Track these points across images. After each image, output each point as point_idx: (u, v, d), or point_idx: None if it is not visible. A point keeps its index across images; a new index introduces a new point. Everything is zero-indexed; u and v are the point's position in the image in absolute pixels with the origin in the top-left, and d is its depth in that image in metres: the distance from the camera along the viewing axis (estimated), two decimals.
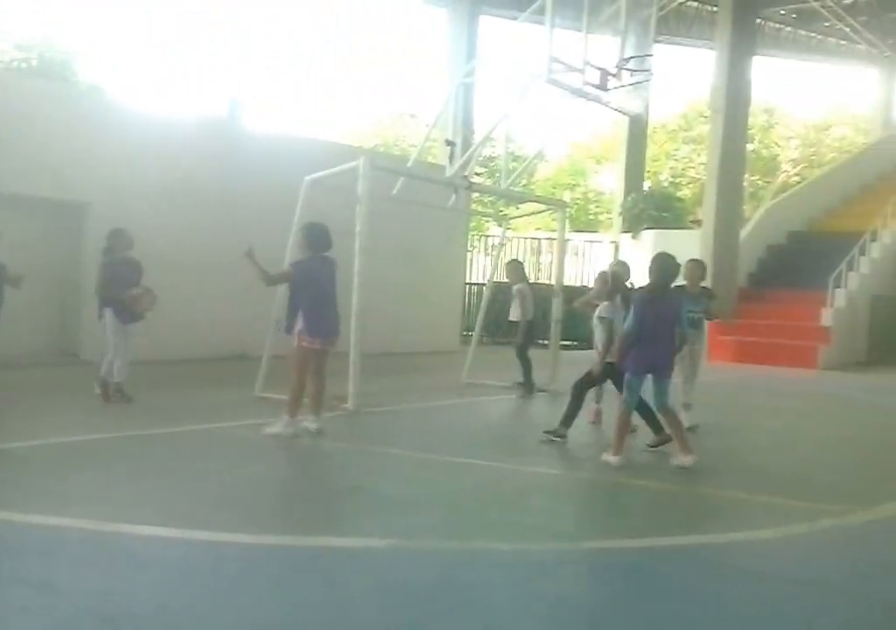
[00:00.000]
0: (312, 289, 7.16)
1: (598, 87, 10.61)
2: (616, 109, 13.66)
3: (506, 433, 8.54)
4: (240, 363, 11.58)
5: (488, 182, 24.37)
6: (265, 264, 7.37)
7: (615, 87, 10.93)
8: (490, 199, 25.68)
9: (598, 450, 7.05)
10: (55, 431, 6.94)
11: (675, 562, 4.47)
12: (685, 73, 41.75)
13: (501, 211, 25.16)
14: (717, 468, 6.99)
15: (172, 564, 4.04)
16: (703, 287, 8.96)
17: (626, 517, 5.48)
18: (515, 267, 11.37)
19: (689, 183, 36.48)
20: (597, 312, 7.49)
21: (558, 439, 7.40)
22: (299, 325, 7.11)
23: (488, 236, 25.71)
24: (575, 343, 18.80)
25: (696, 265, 8.74)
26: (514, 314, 10.93)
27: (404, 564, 4.20)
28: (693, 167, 36.57)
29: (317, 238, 7.30)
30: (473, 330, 12.45)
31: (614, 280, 7.66)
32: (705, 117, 30.38)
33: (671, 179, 37.04)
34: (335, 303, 7.36)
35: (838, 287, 18.63)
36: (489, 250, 23.80)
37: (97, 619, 3.35)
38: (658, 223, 22.76)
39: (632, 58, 11.02)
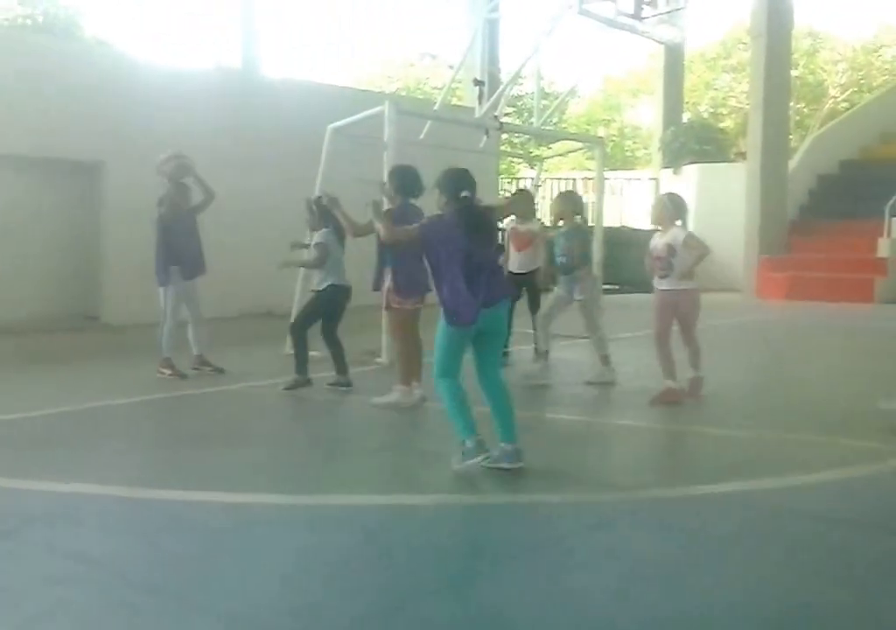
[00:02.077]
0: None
1: (632, 16, 10.35)
2: (651, 39, 13.35)
3: (554, 383, 8.44)
4: (267, 321, 11.59)
5: (518, 122, 24.03)
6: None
7: (650, 16, 10.65)
8: (520, 140, 25.40)
9: (645, 397, 6.96)
10: (92, 394, 6.99)
11: (734, 508, 4.40)
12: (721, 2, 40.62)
13: (532, 152, 24.95)
14: (775, 409, 6.89)
15: (206, 528, 4.04)
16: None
17: (683, 464, 5.42)
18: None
19: (731, 113, 35.68)
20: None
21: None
22: (387, 282, 6.60)
23: (520, 179, 25.42)
24: (618, 286, 18.67)
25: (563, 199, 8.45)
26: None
27: (452, 521, 4.18)
28: (734, 96, 35.73)
29: (410, 181, 6.75)
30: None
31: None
32: (744, 44, 29.61)
33: (712, 110, 36.21)
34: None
35: (895, 216, 18.20)
36: None
37: (135, 588, 3.35)
38: (700, 157, 22.30)
39: None
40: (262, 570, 3.51)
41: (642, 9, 10.49)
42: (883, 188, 18.16)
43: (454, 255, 4.86)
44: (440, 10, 44.78)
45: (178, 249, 7.90)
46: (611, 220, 22.20)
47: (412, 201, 6.78)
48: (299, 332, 7.33)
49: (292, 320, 7.73)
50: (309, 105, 12.45)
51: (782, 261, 18.71)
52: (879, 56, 37.96)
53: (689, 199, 24.42)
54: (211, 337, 8.43)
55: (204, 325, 8.28)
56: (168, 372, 7.91)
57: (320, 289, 7.32)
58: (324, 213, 7.31)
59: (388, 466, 5.32)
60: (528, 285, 8.79)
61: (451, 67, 29.55)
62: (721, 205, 20.57)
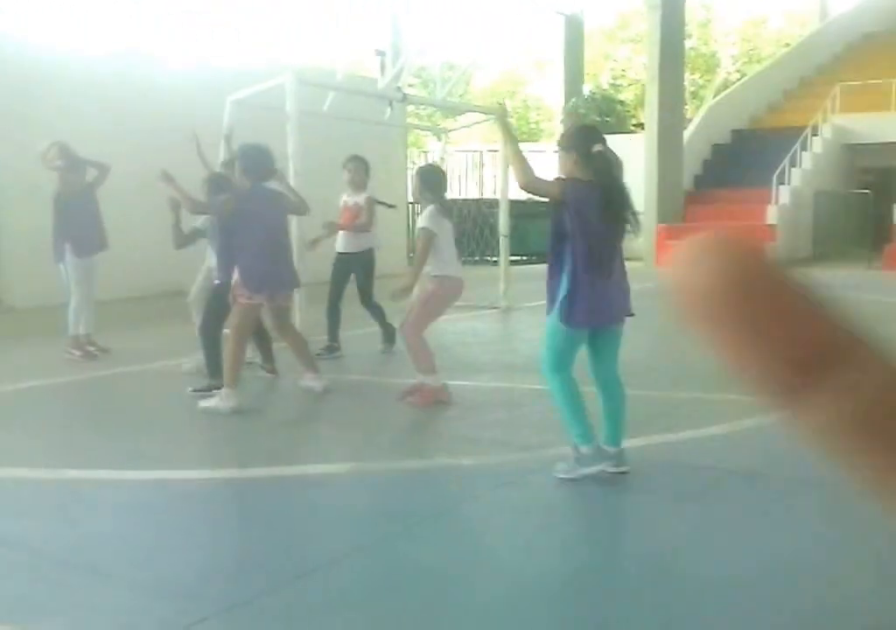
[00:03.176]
0: (256, 228, 5.66)
1: None
2: (551, 9, 13.47)
3: (460, 353, 8.57)
4: (178, 299, 11.42)
5: (423, 94, 23.96)
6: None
7: None
8: (428, 112, 25.36)
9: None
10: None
11: (632, 463, 4.58)
12: None
13: (439, 124, 24.91)
14: (664, 370, 7.14)
15: (133, 506, 4.03)
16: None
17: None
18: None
19: (630, 84, 36.25)
20: None
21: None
22: (236, 275, 5.82)
23: (428, 152, 25.40)
24: (524, 258, 18.92)
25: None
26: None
27: (367, 487, 4.25)
28: (633, 68, 36.29)
29: (255, 163, 5.82)
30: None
31: None
32: (642, 14, 30.04)
33: (612, 82, 36.75)
34: (285, 246, 6.02)
35: (782, 184, 18.85)
36: None
37: (52, 564, 3.34)
38: (602, 129, 22.64)
39: None
40: (178, 540, 3.53)
41: None
42: (771, 157, 18.80)
43: (587, 229, 3.93)
44: None
45: (73, 226, 7.65)
46: (516, 192, 22.40)
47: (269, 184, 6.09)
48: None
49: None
50: (211, 83, 12.20)
51: (679, 229, 19.21)
52: (766, 28, 39.02)
53: None
54: (115, 317, 8.25)
55: (93, 305, 7.99)
56: (77, 352, 7.73)
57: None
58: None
59: (301, 439, 5.35)
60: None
61: (353, 37, 29.22)
62: (624, 175, 20.93)
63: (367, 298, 7.74)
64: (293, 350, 6.18)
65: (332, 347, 7.54)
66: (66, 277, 7.75)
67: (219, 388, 5.77)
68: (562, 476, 4.12)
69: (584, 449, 4.10)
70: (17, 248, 10.78)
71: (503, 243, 11.62)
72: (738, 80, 29.49)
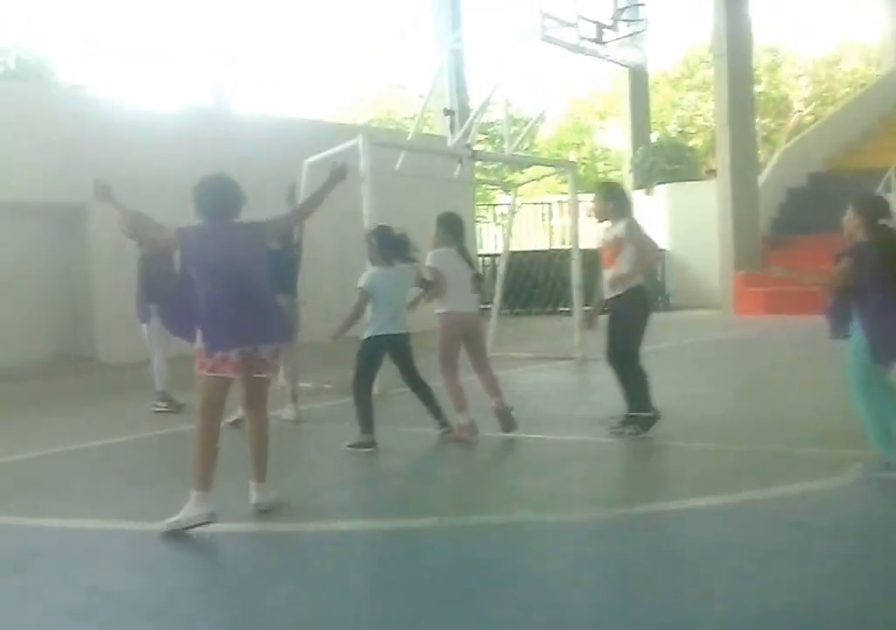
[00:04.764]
0: (202, 273, 4.57)
1: (594, 40, 10.58)
2: (615, 62, 13.62)
3: (538, 405, 8.56)
4: None
5: (490, 149, 24.30)
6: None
7: (612, 40, 10.90)
8: (494, 166, 25.67)
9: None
10: (92, 434, 7.04)
11: (723, 519, 4.51)
12: (682, 19, 41.38)
13: (506, 178, 25.20)
14: (750, 423, 7.02)
15: (224, 557, 4.11)
16: None
17: (668, 480, 5.52)
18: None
19: (699, 131, 36.19)
20: None
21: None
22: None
23: (496, 205, 25.66)
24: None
25: None
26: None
27: (451, 543, 4.27)
28: (701, 115, 36.26)
29: (211, 196, 4.69)
30: (491, 302, 12.44)
31: None
32: (707, 62, 30.12)
33: (680, 129, 36.74)
34: (254, 295, 4.63)
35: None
36: (498, 219, 23.78)
37: (146, 616, 3.42)
38: (671, 176, 22.64)
39: (625, 8, 10.98)
40: (279, 594, 3.59)
41: (604, 33, 10.72)
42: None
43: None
44: (407, 41, 45.31)
45: (156, 287, 7.96)
46: (587, 242, 22.46)
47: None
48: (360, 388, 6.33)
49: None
50: (283, 140, 12.61)
51: (758, 276, 18.95)
52: (839, 69, 38.72)
53: (664, 218, 24.81)
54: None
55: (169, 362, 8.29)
56: (164, 405, 8.02)
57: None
58: (394, 245, 6.38)
59: (386, 494, 5.40)
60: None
61: (420, 97, 29.90)
62: (695, 222, 20.87)
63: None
64: (250, 441, 4.83)
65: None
66: (147, 336, 8.07)
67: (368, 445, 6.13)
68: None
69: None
70: (108, 307, 11.23)
71: (576, 294, 11.64)
72: (813, 122, 29.27)
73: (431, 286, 6.56)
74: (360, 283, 6.30)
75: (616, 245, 6.32)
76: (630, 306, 6.23)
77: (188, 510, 4.40)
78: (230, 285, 4.52)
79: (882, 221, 5.08)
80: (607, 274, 6.36)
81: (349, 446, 6.18)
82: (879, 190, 19.11)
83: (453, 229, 6.68)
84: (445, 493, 5.22)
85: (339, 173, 5.02)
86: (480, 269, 19.31)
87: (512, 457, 6.22)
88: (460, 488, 5.39)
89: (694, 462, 5.85)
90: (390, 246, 6.37)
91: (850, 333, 5.18)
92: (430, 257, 6.58)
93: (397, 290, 6.39)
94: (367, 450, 6.14)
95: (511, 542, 4.28)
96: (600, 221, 6.55)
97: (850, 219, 5.24)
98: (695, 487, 5.12)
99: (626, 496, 5.03)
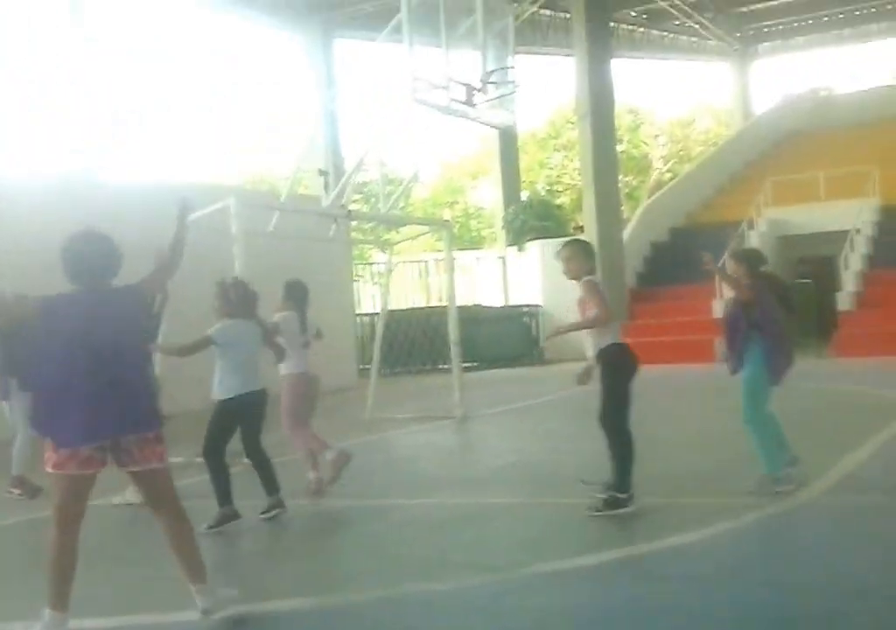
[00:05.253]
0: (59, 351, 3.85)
1: (464, 102, 10.72)
2: (485, 123, 13.87)
3: (419, 467, 8.41)
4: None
5: (365, 208, 24.36)
6: None
7: (482, 102, 11.07)
8: (370, 225, 25.72)
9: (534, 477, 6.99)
10: None
11: (610, 577, 4.45)
12: (547, 82, 42.88)
13: (382, 236, 25.28)
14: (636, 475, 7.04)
15: None
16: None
17: (551, 538, 5.44)
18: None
19: (566, 189, 37.32)
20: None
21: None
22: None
23: (373, 263, 25.64)
24: (475, 364, 18.93)
25: None
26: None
27: (332, 622, 4.05)
28: (567, 173, 37.45)
29: (75, 261, 4.03)
30: (370, 363, 12.28)
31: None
32: (572, 123, 31.17)
33: (548, 188, 37.79)
34: (126, 373, 3.90)
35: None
36: (376, 278, 23.73)
37: None
38: (542, 233, 23.12)
39: (494, 71, 11.19)
40: None
41: (474, 95, 10.86)
42: (711, 252, 19.20)
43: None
44: (282, 102, 45.36)
45: (17, 360, 7.44)
46: (463, 299, 22.69)
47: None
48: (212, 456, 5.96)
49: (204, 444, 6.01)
50: (152, 204, 12.24)
51: (625, 327, 19.40)
52: (694, 129, 40.73)
53: (537, 273, 25.19)
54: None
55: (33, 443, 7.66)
56: (17, 492, 7.40)
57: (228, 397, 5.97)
58: (251, 300, 6.26)
59: (255, 574, 5.12)
60: None
61: (295, 157, 29.80)
62: (566, 278, 21.28)
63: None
64: (171, 544, 4.01)
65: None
66: (9, 415, 7.51)
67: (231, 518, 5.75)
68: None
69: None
70: None
71: (454, 352, 11.59)
72: (671, 179, 30.55)
73: (276, 346, 6.35)
74: (210, 332, 6.02)
75: (582, 306, 6.07)
76: (607, 366, 6.00)
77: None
78: (96, 363, 3.75)
79: (763, 268, 6.04)
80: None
81: (209, 528, 5.59)
82: (735, 241, 20.00)
83: (295, 295, 7.00)
84: (322, 568, 4.98)
85: (185, 205, 4.55)
86: (358, 330, 19.24)
87: (393, 523, 6.01)
88: (339, 561, 5.17)
89: (577, 519, 5.78)
90: (249, 300, 6.20)
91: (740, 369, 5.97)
92: (276, 318, 6.77)
93: (254, 342, 6.14)
94: (229, 523, 5.75)
95: (399, 616, 4.09)
96: (571, 279, 6.13)
97: (733, 269, 6.12)
98: (580, 545, 5.07)
99: (511, 559, 4.90)
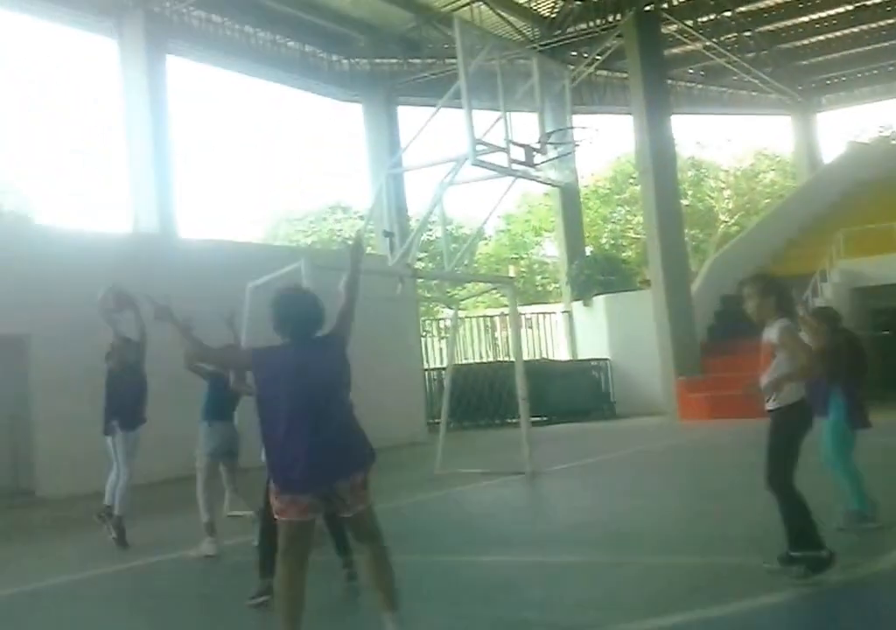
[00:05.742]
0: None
1: (524, 163, 10.81)
2: (545, 182, 13.96)
3: (489, 523, 8.29)
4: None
5: (430, 266, 24.56)
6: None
7: (541, 162, 11.15)
8: (436, 282, 25.93)
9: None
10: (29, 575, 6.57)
11: None
12: (608, 138, 43.10)
13: (448, 293, 25.45)
14: (709, 534, 6.85)
15: None
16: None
17: (624, 598, 5.28)
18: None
19: (632, 244, 37.15)
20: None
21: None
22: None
23: (440, 319, 25.76)
24: (545, 418, 18.75)
25: None
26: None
27: None
28: (632, 228, 37.30)
29: (284, 315, 4.27)
30: (439, 417, 12.25)
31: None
32: (634, 178, 31.15)
33: (613, 242, 37.69)
34: (336, 419, 4.15)
35: (799, 330, 18.85)
36: (443, 333, 23.81)
37: None
38: (607, 287, 23.01)
39: (553, 132, 11.29)
40: None
41: (533, 156, 10.95)
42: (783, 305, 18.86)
43: None
44: (348, 167, 46.35)
45: (119, 401, 7.74)
46: (530, 353, 22.61)
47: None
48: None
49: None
50: (226, 264, 12.53)
51: (699, 382, 19.08)
52: (759, 181, 40.34)
53: (603, 328, 24.98)
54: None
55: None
56: (114, 535, 7.50)
57: None
58: None
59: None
60: None
61: (361, 219, 30.34)
62: (633, 331, 21.11)
63: None
64: (369, 573, 4.27)
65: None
66: (112, 451, 7.70)
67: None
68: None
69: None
70: (49, 439, 10.81)
71: (522, 406, 11.48)
72: (738, 232, 30.20)
73: None
74: None
75: (768, 350, 5.36)
76: (786, 423, 5.24)
77: None
78: (310, 411, 3.96)
79: (841, 326, 6.38)
80: (763, 379, 5.37)
81: (252, 601, 5.21)
82: (807, 294, 19.60)
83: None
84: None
85: (356, 247, 4.76)
86: (428, 385, 19.24)
87: (464, 581, 5.90)
88: (410, 620, 5.07)
89: (651, 578, 5.62)
90: None
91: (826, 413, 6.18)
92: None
93: None
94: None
95: None
96: (756, 321, 5.50)
97: (816, 329, 6.24)
98: (653, 606, 4.88)
99: (582, 619, 4.76)
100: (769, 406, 5.24)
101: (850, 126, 55.63)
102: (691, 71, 28.50)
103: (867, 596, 4.97)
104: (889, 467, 8.75)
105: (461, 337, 22.14)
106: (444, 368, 16.04)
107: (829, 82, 31.94)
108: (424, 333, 22.80)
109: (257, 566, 5.33)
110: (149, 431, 7.92)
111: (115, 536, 7.49)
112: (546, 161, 11.22)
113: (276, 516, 4.01)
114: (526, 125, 11.00)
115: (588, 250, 28.12)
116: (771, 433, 5.24)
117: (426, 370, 19.87)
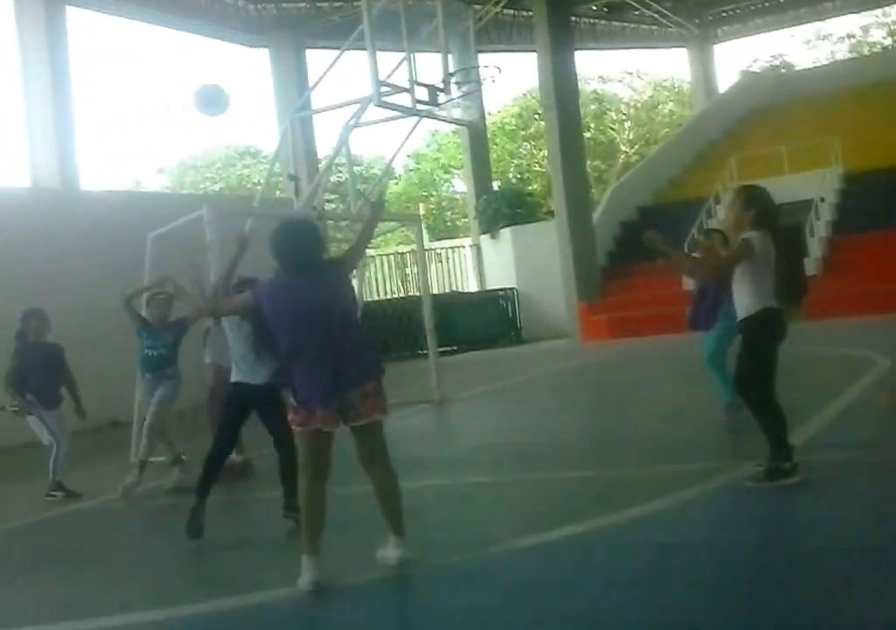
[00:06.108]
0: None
1: (428, 103, 10.78)
2: (450, 121, 13.94)
3: (396, 452, 8.45)
4: (113, 431, 11.22)
5: (341, 207, 24.35)
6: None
7: (445, 101, 11.13)
8: (347, 223, 25.72)
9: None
10: None
11: (581, 549, 4.50)
12: (515, 76, 42.90)
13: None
14: (608, 447, 7.15)
15: None
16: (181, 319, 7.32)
17: (528, 513, 5.49)
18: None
19: (537, 177, 37.36)
20: None
21: None
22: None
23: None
24: (454, 348, 19.03)
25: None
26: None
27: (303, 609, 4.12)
28: (538, 162, 37.48)
29: (289, 246, 4.37)
30: None
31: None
32: (539, 114, 31.22)
33: (519, 176, 37.85)
34: (343, 337, 4.32)
35: (693, 252, 19.36)
36: (354, 273, 23.74)
37: None
38: (514, 220, 23.23)
39: (457, 71, 11.25)
40: None
41: (437, 95, 10.92)
42: (679, 227, 19.36)
43: None
44: (258, 110, 45.21)
45: (26, 378, 7.45)
46: (440, 286, 22.82)
47: None
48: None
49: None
50: (129, 215, 12.26)
51: (600, 305, 19.58)
52: (658, 112, 40.79)
53: (510, 258, 25.26)
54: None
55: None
56: (60, 494, 7.36)
57: None
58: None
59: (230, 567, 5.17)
60: None
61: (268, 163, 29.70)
62: (539, 260, 21.45)
63: None
64: (378, 498, 4.48)
65: None
66: (38, 430, 7.52)
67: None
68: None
69: None
70: None
71: (430, 337, 11.66)
72: (638, 162, 30.63)
73: None
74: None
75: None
76: (751, 333, 5.24)
77: (301, 576, 4.11)
78: (320, 332, 4.19)
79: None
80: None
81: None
82: (702, 216, 20.11)
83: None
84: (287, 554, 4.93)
85: (378, 204, 5.00)
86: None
87: (371, 506, 6.07)
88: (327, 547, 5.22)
89: (556, 493, 5.85)
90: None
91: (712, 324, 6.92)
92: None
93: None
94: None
95: (374, 598, 4.16)
96: (733, 231, 5.56)
97: (708, 247, 6.89)
98: (555, 520, 5.05)
99: (486, 536, 4.95)
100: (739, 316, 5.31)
101: (744, 56, 56.43)
102: (594, 7, 28.46)
103: (752, 494, 5.25)
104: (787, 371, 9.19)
105: (373, 275, 22.19)
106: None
107: (724, 15, 32.30)
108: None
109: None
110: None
111: (65, 495, 7.39)
112: (450, 100, 11.21)
113: (296, 429, 4.24)
114: (431, 65, 10.96)
115: (496, 185, 28.21)
116: (741, 345, 5.30)
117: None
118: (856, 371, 9.24)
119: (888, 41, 40.18)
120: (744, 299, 5.26)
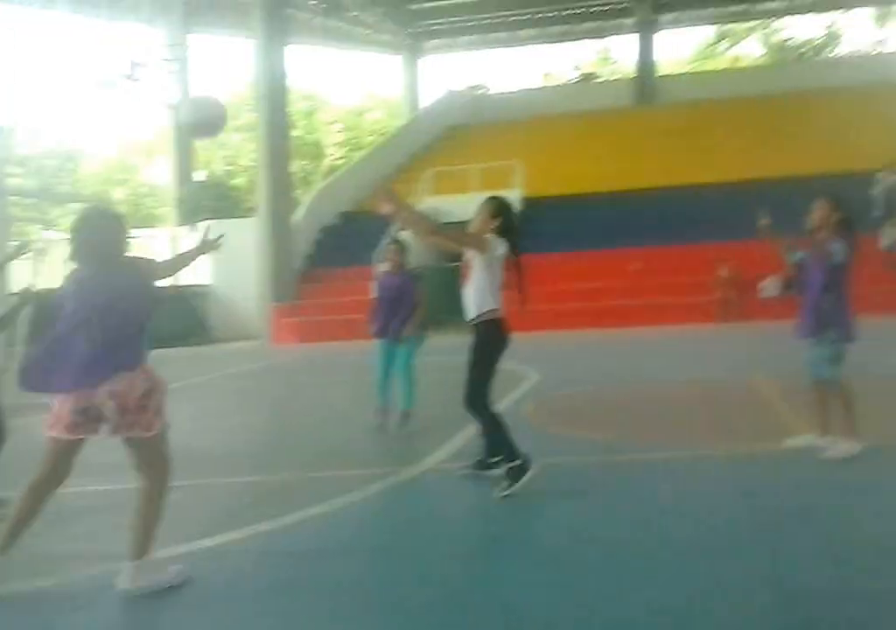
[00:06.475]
0: None
1: (128, 77, 10.15)
2: (151, 100, 13.22)
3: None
4: None
5: (35, 184, 22.44)
6: None
7: (147, 77, 10.54)
8: (32, 201, 23.73)
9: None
10: None
11: (229, 561, 4.35)
12: (226, 63, 41.72)
13: (47, 214, 23.39)
14: (277, 451, 7.03)
15: None
16: None
17: (176, 522, 5.21)
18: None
19: (245, 171, 36.58)
20: None
21: None
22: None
23: (36, 241, 23.66)
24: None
25: None
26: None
27: None
28: (245, 155, 36.71)
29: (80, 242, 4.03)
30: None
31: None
32: (249, 105, 30.56)
33: (226, 168, 36.82)
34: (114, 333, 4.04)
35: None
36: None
37: None
38: (216, 213, 22.53)
39: (162, 47, 10.68)
40: None
41: (138, 70, 10.33)
42: (375, 237, 19.71)
43: None
44: None
45: None
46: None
47: None
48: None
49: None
50: None
51: (293, 307, 19.48)
52: (365, 118, 41.53)
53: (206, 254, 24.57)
54: None
55: None
56: None
57: None
58: None
59: None
60: None
61: None
62: (235, 258, 20.90)
63: None
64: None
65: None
66: None
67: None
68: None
69: None
70: None
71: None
72: (344, 166, 30.95)
73: None
74: None
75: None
76: (484, 337, 5.22)
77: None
78: (94, 320, 3.93)
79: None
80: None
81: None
82: (395, 227, 20.62)
83: None
84: None
85: (209, 242, 4.53)
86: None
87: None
88: None
89: (211, 499, 5.63)
90: None
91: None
92: None
93: None
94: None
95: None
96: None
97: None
98: (208, 527, 4.89)
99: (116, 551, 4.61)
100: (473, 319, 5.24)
101: (454, 73, 58.85)
102: (313, 2, 28.28)
103: (407, 498, 5.36)
104: (439, 382, 9.56)
105: (50, 260, 20.49)
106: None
107: (434, 28, 33.43)
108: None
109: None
110: None
111: None
112: (152, 76, 10.64)
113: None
114: (136, 40, 10.30)
115: (202, 175, 27.21)
116: (473, 348, 5.22)
117: (12, 294, 18.19)
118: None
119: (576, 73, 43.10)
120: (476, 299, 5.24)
